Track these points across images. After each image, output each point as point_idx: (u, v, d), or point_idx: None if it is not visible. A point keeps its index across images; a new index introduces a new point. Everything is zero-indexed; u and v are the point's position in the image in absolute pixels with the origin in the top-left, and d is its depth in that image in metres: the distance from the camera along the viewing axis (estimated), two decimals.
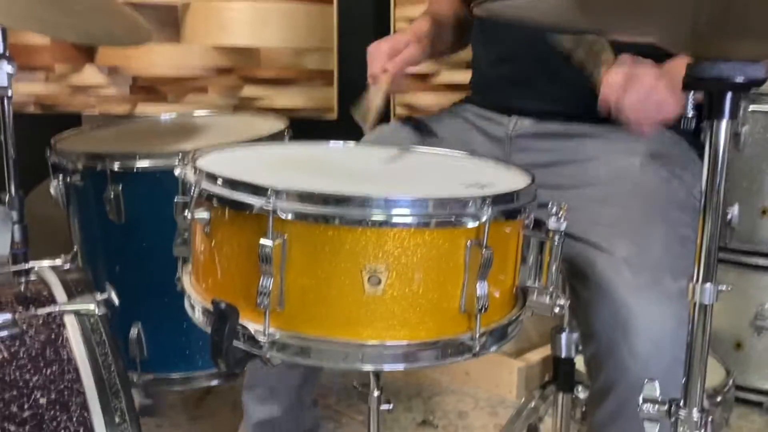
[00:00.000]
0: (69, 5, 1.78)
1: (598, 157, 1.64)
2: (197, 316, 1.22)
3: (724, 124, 1.01)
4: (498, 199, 1.10)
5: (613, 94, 1.38)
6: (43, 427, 1.04)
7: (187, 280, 1.28)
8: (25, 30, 2.45)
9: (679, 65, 1.39)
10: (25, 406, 1.04)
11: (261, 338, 1.09)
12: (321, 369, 1.93)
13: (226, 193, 1.12)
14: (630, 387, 1.38)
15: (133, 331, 1.88)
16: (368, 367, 1.15)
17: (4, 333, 1.11)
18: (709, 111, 1.01)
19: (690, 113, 1.04)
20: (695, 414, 1.08)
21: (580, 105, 1.53)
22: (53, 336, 1.12)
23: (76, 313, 1.15)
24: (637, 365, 1.37)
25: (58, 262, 1.31)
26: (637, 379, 1.35)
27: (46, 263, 1.31)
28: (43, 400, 1.05)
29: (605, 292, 1.41)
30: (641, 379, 1.24)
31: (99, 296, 1.18)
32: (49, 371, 1.08)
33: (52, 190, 1.93)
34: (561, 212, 1.15)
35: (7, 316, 1.12)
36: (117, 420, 1.06)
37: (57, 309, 1.16)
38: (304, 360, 1.11)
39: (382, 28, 2.90)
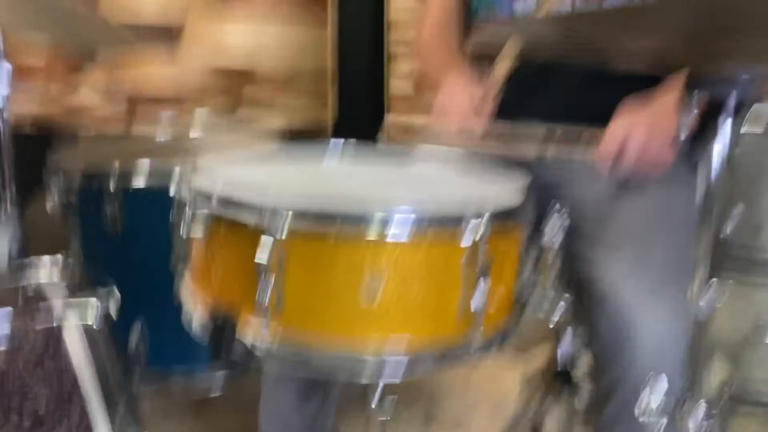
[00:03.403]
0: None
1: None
2: (196, 329, 1.23)
3: (720, 140, 1.02)
4: (496, 212, 1.11)
5: (607, 164, 1.41)
6: (44, 429, 1.04)
7: (185, 293, 1.28)
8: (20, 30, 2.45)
9: (669, 102, 1.41)
10: (25, 411, 1.04)
11: (259, 351, 1.10)
12: (338, 395, 1.91)
13: (222, 211, 1.12)
14: (632, 391, 1.38)
15: (134, 336, 1.88)
16: (367, 380, 1.15)
17: (3, 339, 1.11)
18: (704, 129, 1.02)
19: (683, 136, 1.06)
20: (696, 417, 1.08)
21: (587, 113, 1.54)
22: (53, 340, 1.12)
23: (76, 318, 1.16)
24: (638, 371, 1.38)
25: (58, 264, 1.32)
26: (639, 383, 1.36)
27: (45, 267, 1.31)
28: (42, 404, 1.05)
29: (609, 296, 1.42)
30: (643, 384, 1.25)
31: (98, 303, 1.18)
32: (48, 376, 1.08)
33: (48, 209, 1.93)
34: (558, 223, 1.16)
35: (6, 322, 1.12)
36: (117, 424, 1.06)
37: (56, 313, 1.16)
38: (302, 372, 1.11)
39: (376, 50, 2.92)
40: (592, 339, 1.47)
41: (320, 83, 2.90)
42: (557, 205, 1.18)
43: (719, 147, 1.03)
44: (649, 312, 1.39)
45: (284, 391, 1.83)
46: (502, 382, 2.71)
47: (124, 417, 1.07)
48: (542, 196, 1.26)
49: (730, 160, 2.38)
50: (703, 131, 1.03)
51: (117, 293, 1.23)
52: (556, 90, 1.69)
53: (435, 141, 1.61)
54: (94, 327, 1.15)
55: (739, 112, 1.01)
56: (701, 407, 1.09)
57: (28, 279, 1.29)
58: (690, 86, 1.04)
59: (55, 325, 1.15)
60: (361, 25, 3.07)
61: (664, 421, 1.12)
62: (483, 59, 1.79)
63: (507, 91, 1.78)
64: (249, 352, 1.11)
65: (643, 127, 1.39)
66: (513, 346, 1.23)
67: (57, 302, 1.19)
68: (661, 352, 1.37)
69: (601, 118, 1.48)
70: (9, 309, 1.15)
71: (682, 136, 1.06)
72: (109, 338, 1.15)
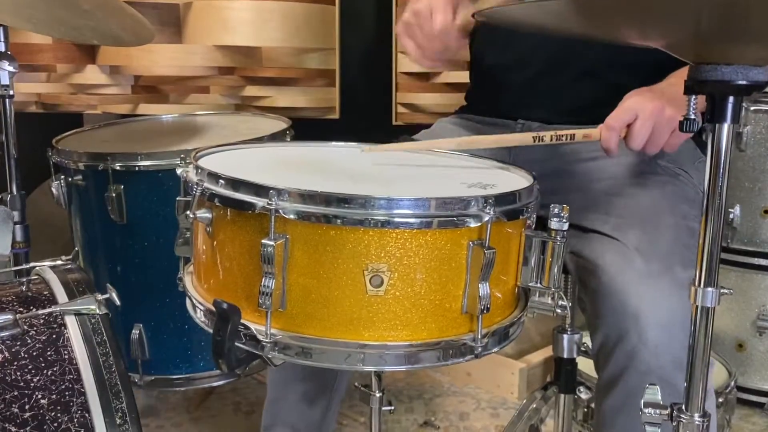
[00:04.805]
0: (75, 5, 1.77)
1: (606, 155, 1.64)
2: (199, 316, 1.22)
3: (726, 127, 1.01)
4: (500, 199, 1.10)
5: (614, 141, 1.39)
6: (44, 428, 1.04)
7: (188, 280, 1.28)
8: (30, 30, 2.45)
9: (676, 81, 1.40)
10: (26, 407, 1.04)
11: (263, 339, 1.09)
12: (341, 401, 1.92)
13: (229, 192, 1.12)
14: (640, 374, 1.37)
15: (135, 332, 1.88)
16: (369, 368, 1.15)
17: (5, 333, 1.10)
18: (711, 114, 1.01)
19: (692, 116, 1.04)
20: (697, 418, 1.08)
21: (588, 108, 1.54)
22: (54, 336, 1.12)
23: (77, 313, 1.15)
24: (647, 351, 1.37)
25: (58, 262, 1.31)
26: (648, 365, 1.35)
27: (47, 263, 1.31)
28: (44, 401, 1.05)
29: (615, 280, 1.41)
30: (651, 366, 1.24)
31: (100, 296, 1.18)
32: (50, 372, 1.08)
33: (53, 190, 1.93)
34: (563, 212, 1.15)
35: (8, 316, 1.12)
36: (118, 421, 1.06)
37: (58, 309, 1.15)
38: (305, 361, 1.11)
39: (383, 27, 2.90)
40: (597, 326, 1.46)
41: (327, 60, 2.88)
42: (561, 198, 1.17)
43: (728, 128, 1.02)
44: (656, 294, 1.38)
45: (290, 395, 1.83)
46: (503, 378, 2.71)
47: (124, 417, 1.07)
48: (546, 182, 1.25)
49: (738, 138, 2.40)
50: (712, 110, 1.02)
51: (115, 297, 1.21)
52: (556, 89, 1.68)
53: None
54: (95, 326, 1.15)
55: (749, 93, 1.00)
56: (700, 411, 1.08)
57: (30, 279, 1.29)
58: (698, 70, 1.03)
59: (56, 323, 1.15)
60: (369, 1, 3.05)
61: (664, 423, 1.11)
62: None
63: (506, 90, 1.77)
64: (253, 340, 1.11)
65: (652, 106, 1.38)
66: (514, 342, 1.22)
67: (58, 301, 1.19)
68: (670, 337, 1.36)
69: (599, 113, 1.47)
70: (10, 310, 1.15)
71: (693, 119, 1.05)
72: (109, 337, 1.15)
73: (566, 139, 1.40)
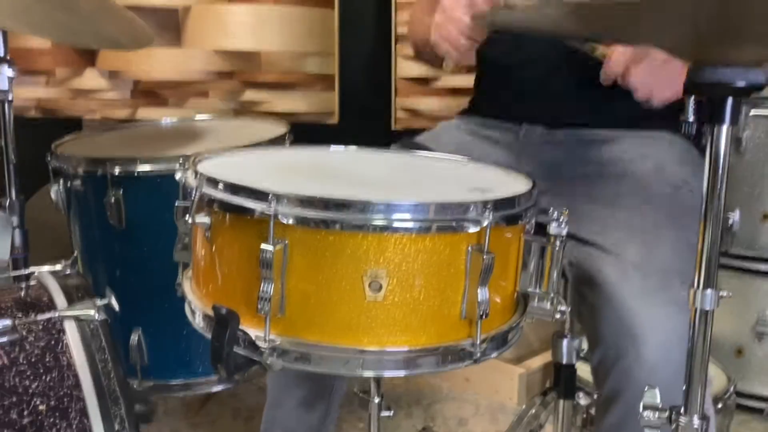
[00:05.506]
0: (74, 8, 1.77)
1: (610, 163, 1.63)
2: (198, 322, 1.22)
3: (724, 129, 1.01)
4: (499, 204, 1.10)
5: (621, 64, 1.41)
6: None
7: (187, 286, 1.28)
8: (29, 34, 2.45)
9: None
10: (25, 413, 1.04)
11: (261, 344, 1.09)
12: (339, 406, 1.91)
13: (227, 197, 1.11)
14: (637, 394, 1.37)
15: (134, 338, 1.88)
16: (368, 374, 1.15)
17: (4, 339, 1.10)
18: (710, 116, 1.01)
19: (691, 118, 1.04)
20: (696, 421, 1.08)
21: (592, 113, 1.54)
22: (53, 342, 1.12)
23: (76, 318, 1.15)
24: (644, 371, 1.36)
25: (58, 267, 1.31)
26: (644, 385, 1.34)
27: (46, 268, 1.30)
28: (42, 407, 1.05)
29: (613, 297, 1.40)
30: (647, 388, 1.24)
31: (99, 302, 1.18)
32: (48, 377, 1.08)
33: (52, 195, 1.92)
34: (562, 217, 1.15)
35: (7, 321, 1.11)
36: (116, 427, 1.06)
37: (57, 315, 1.15)
38: (304, 366, 1.11)
39: (383, 32, 2.90)
40: (596, 341, 1.45)
41: (326, 65, 2.88)
42: (561, 207, 1.17)
43: (726, 129, 1.02)
44: (653, 312, 1.37)
45: (289, 399, 1.83)
46: (502, 384, 2.71)
47: (122, 423, 1.07)
48: (547, 187, 1.25)
49: (737, 142, 2.40)
50: (711, 115, 1.02)
51: (114, 303, 1.21)
52: (559, 90, 1.68)
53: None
54: (94, 332, 1.15)
55: (748, 94, 1.00)
56: (699, 413, 1.08)
57: (28, 285, 1.29)
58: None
59: (55, 328, 1.14)
60: (368, 6, 3.05)
61: (662, 427, 1.11)
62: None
63: (515, 90, 1.76)
64: (252, 346, 1.10)
65: (662, 58, 1.40)
66: (514, 347, 1.22)
67: (57, 306, 1.19)
68: (667, 356, 1.35)
69: (604, 119, 1.47)
70: (9, 316, 1.14)
71: (690, 113, 1.05)
72: (108, 343, 1.14)
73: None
